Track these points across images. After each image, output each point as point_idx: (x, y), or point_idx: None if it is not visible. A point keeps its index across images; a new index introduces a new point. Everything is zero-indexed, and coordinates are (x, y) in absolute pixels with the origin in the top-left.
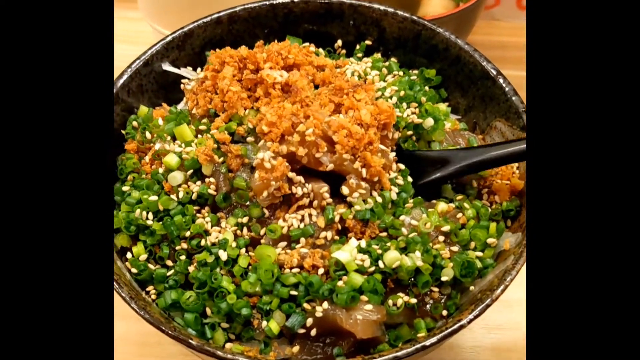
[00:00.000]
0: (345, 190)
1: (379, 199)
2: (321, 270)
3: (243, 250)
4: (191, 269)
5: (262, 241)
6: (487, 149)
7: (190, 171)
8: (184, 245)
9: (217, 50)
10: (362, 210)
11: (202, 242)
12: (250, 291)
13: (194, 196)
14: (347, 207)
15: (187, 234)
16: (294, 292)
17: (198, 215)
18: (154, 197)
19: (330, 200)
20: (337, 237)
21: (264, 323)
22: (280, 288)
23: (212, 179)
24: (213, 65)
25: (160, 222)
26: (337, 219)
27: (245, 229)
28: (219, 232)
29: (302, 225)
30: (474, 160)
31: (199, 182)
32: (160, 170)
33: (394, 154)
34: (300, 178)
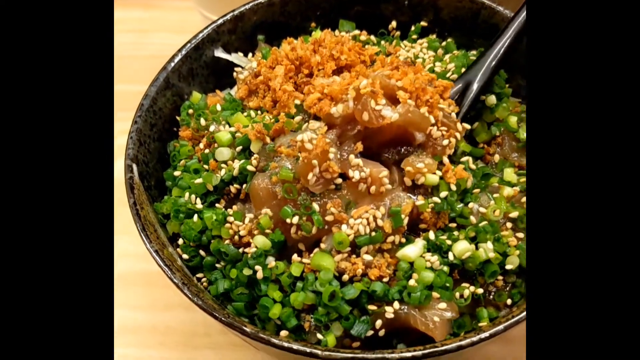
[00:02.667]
0: (408, 162)
1: (454, 187)
2: (386, 279)
3: (295, 256)
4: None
5: (322, 246)
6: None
7: (239, 148)
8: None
9: (269, 35)
10: (440, 202)
11: (242, 251)
12: (300, 308)
13: (235, 172)
14: (424, 198)
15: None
16: None
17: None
18: (199, 180)
19: (389, 186)
20: (403, 240)
21: (319, 335)
22: (341, 305)
23: (257, 156)
24: (267, 63)
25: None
26: (405, 221)
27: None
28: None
29: (367, 230)
30: (491, 71)
31: (243, 161)
32: (209, 151)
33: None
34: (359, 161)
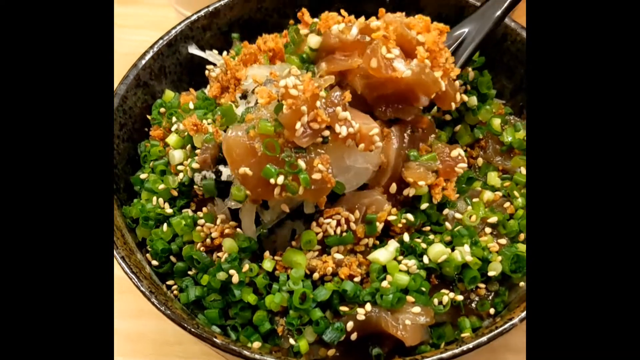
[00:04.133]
0: (410, 172)
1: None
2: (357, 278)
3: (267, 252)
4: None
5: (294, 243)
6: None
7: (188, 147)
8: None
9: (245, 32)
10: (413, 219)
11: (214, 257)
12: (276, 310)
13: (190, 174)
14: (397, 211)
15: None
16: None
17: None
18: (163, 186)
19: (380, 144)
20: (377, 242)
21: (292, 341)
22: (312, 309)
23: (199, 151)
24: (238, 57)
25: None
26: (379, 228)
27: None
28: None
29: (338, 231)
30: (493, 22)
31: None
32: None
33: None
34: (346, 114)
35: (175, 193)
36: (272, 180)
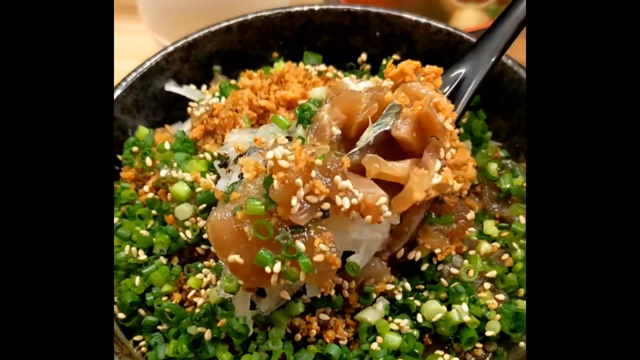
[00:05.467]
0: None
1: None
2: (344, 342)
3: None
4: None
5: None
6: (489, 40)
7: (203, 206)
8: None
9: (226, 65)
10: (409, 289)
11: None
12: None
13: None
14: (394, 277)
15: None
16: None
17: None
18: (145, 232)
19: (389, 213)
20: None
21: None
22: None
23: None
24: (227, 104)
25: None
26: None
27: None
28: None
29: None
30: (491, 65)
31: None
32: (156, 196)
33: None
34: (347, 183)
35: (165, 249)
36: (266, 269)
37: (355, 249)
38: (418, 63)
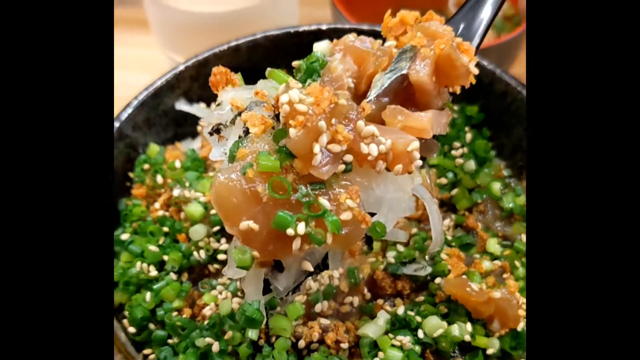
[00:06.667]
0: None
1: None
2: (345, 345)
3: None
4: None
5: (278, 309)
6: None
7: (217, 228)
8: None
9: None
10: (394, 264)
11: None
12: None
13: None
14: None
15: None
16: None
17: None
18: (156, 248)
19: (419, 162)
20: (363, 303)
21: None
22: None
23: None
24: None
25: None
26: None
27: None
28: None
29: (321, 288)
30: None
31: (223, 240)
32: (177, 219)
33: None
34: (372, 128)
35: (177, 266)
36: (288, 231)
37: (378, 210)
38: (417, 13)
